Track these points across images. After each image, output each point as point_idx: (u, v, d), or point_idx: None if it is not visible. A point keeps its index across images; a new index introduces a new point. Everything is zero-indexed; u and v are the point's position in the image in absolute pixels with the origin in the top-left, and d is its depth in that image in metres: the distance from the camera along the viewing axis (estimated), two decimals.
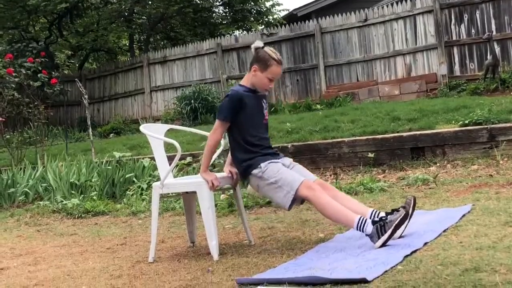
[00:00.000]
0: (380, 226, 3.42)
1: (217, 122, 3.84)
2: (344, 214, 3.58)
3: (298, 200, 3.75)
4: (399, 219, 3.41)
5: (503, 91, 9.91)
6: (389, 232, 3.39)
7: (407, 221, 3.50)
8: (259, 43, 3.91)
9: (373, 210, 3.63)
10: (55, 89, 10.29)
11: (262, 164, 3.76)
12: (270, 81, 3.86)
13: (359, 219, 3.49)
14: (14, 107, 10.03)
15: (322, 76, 13.43)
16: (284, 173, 3.72)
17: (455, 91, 11.01)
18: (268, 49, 3.87)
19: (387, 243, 3.40)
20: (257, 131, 3.87)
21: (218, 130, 3.84)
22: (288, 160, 3.96)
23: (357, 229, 3.50)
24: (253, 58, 3.91)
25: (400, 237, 3.53)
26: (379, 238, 3.39)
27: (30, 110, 9.87)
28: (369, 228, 3.45)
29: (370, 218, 3.54)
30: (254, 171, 3.78)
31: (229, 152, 3.99)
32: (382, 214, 3.56)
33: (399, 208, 3.51)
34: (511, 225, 3.48)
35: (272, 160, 3.80)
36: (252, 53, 3.93)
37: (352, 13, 13.30)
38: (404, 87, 11.78)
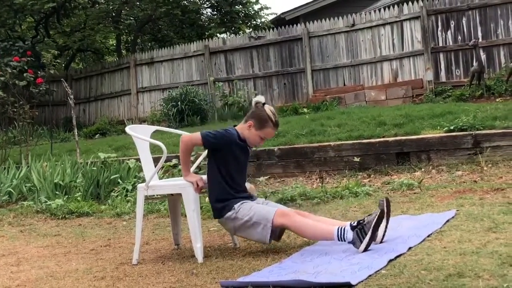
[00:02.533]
0: (360, 229, 3.44)
1: (199, 135, 3.80)
2: (322, 230, 3.62)
3: (275, 232, 3.76)
4: (376, 218, 3.43)
5: (488, 97, 9.98)
6: (369, 233, 3.40)
7: (385, 220, 3.51)
8: (260, 98, 3.93)
9: (350, 222, 3.63)
10: (41, 88, 10.20)
11: (235, 206, 3.78)
12: (261, 139, 3.90)
13: (338, 230, 3.53)
14: None
15: (309, 80, 13.46)
16: (257, 209, 3.76)
17: (441, 97, 11.08)
18: (267, 109, 3.88)
19: (371, 248, 3.41)
20: (236, 173, 3.88)
21: (195, 141, 3.83)
22: (261, 200, 4.02)
23: (338, 240, 3.53)
24: (251, 112, 3.92)
25: (383, 241, 3.55)
26: (361, 242, 3.41)
27: (15, 110, 9.79)
28: (349, 234, 3.47)
29: (350, 225, 3.54)
30: (228, 214, 3.79)
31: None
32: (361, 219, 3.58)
33: (375, 210, 3.54)
34: (495, 231, 3.50)
35: (244, 201, 3.82)
36: (252, 107, 3.94)
37: (340, 17, 13.34)
38: (390, 92, 11.84)
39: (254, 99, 3.93)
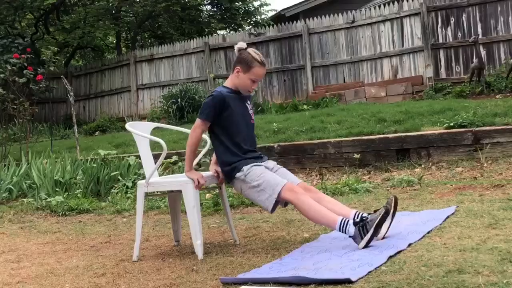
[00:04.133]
0: (362, 226, 3.43)
1: (197, 120, 3.82)
2: (326, 216, 3.59)
3: (282, 202, 3.77)
4: (379, 217, 3.42)
5: (488, 94, 9.98)
6: (371, 231, 3.40)
7: (389, 219, 3.51)
8: (242, 44, 3.90)
9: (356, 212, 3.63)
10: (41, 85, 10.21)
11: (245, 167, 3.76)
12: (253, 82, 3.85)
13: (341, 221, 3.51)
14: None
15: (309, 76, 13.46)
16: (267, 176, 3.73)
17: (441, 93, 11.08)
18: (251, 50, 3.86)
19: (371, 244, 3.41)
20: (240, 133, 3.85)
21: (198, 129, 3.82)
22: (272, 163, 3.96)
23: (339, 231, 3.52)
24: (236, 59, 3.90)
25: (384, 237, 3.55)
26: (362, 238, 3.41)
27: (15, 107, 9.79)
28: (351, 229, 3.46)
29: (353, 219, 3.54)
30: (238, 174, 3.78)
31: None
32: (365, 215, 3.57)
33: (381, 208, 3.53)
34: (494, 227, 3.51)
35: (255, 163, 3.79)
36: (235, 54, 3.92)
37: (340, 14, 13.34)
38: (390, 89, 11.83)
39: (236, 46, 3.90)
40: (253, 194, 3.76)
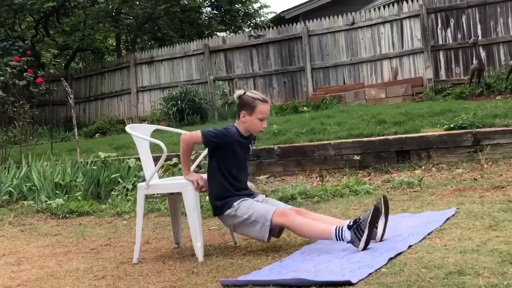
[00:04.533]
0: (356, 228, 3.44)
1: (199, 133, 3.81)
2: (320, 229, 3.62)
3: (275, 231, 3.78)
4: (370, 214, 3.43)
5: (488, 95, 9.98)
6: (366, 231, 3.40)
7: (382, 218, 3.52)
8: (239, 92, 3.93)
9: (350, 220, 3.63)
10: (41, 88, 10.20)
11: (235, 203, 3.79)
12: (261, 121, 3.86)
13: (336, 229, 3.53)
14: None
15: (309, 78, 13.46)
16: (256, 207, 3.76)
17: (441, 95, 11.08)
18: (249, 93, 3.90)
19: (371, 246, 3.41)
20: (237, 172, 3.89)
21: (195, 140, 3.83)
22: (261, 197, 4.01)
23: (336, 239, 3.53)
24: (238, 105, 3.94)
25: (383, 240, 3.55)
26: (359, 240, 3.41)
27: (15, 109, 9.78)
28: (347, 234, 3.47)
29: (347, 225, 3.54)
30: (227, 212, 3.81)
31: None
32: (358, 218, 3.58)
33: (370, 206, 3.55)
34: (495, 229, 3.51)
35: (243, 199, 3.83)
36: (237, 102, 3.96)
37: (340, 16, 13.35)
38: (390, 91, 11.83)
39: (235, 95, 3.94)
40: (246, 228, 3.78)
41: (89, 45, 19.52)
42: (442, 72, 12.07)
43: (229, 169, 3.84)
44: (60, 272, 3.81)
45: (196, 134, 3.84)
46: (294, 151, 7.24)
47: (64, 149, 10.18)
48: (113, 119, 15.97)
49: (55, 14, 18.94)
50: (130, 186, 6.88)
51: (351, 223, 3.50)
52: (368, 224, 3.41)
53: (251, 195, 3.95)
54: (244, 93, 3.91)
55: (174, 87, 14.26)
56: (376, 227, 3.50)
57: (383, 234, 3.56)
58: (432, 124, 7.18)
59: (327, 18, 13.53)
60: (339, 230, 3.52)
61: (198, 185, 3.83)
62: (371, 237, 3.43)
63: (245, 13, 19.80)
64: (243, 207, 3.77)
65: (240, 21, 19.58)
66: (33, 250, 4.74)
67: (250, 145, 4.02)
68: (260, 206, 3.78)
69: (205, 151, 4.32)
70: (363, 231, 3.41)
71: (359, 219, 3.47)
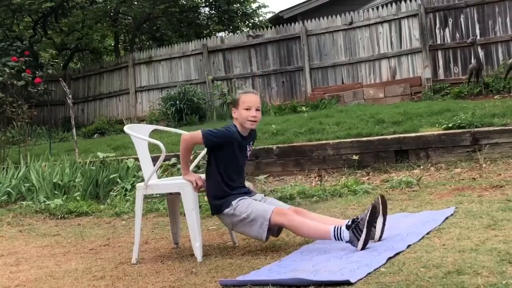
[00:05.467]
0: (355, 228, 3.45)
1: (199, 133, 3.81)
2: (319, 229, 3.63)
3: (273, 230, 3.78)
4: (368, 213, 3.43)
5: (487, 95, 10.00)
6: (364, 230, 3.41)
7: (380, 217, 3.52)
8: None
9: (349, 220, 3.62)
10: (39, 88, 10.20)
11: (233, 202, 3.80)
12: (249, 110, 3.85)
13: (334, 229, 3.53)
14: None
15: (308, 78, 13.46)
16: (255, 206, 3.77)
17: (439, 94, 11.09)
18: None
19: (370, 246, 3.41)
20: (234, 171, 3.90)
21: (195, 140, 3.84)
22: (259, 196, 4.01)
23: (335, 239, 3.53)
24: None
25: (381, 239, 3.55)
26: (358, 240, 3.41)
27: (13, 110, 9.78)
28: (346, 234, 3.48)
29: (345, 225, 3.54)
30: (226, 210, 3.82)
31: None
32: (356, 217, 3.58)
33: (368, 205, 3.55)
34: (494, 228, 3.51)
35: (242, 197, 3.83)
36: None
37: (338, 16, 13.35)
38: (388, 90, 11.84)
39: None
40: (244, 227, 3.79)
41: (87, 45, 19.49)
42: (441, 71, 12.08)
43: (227, 169, 3.85)
44: (58, 273, 3.81)
45: (197, 134, 3.84)
46: (293, 151, 7.24)
47: (63, 149, 10.17)
48: (111, 119, 15.95)
49: (53, 14, 18.93)
50: (128, 187, 6.88)
51: (350, 223, 3.50)
52: (366, 224, 3.41)
53: (249, 193, 3.95)
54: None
55: (173, 87, 14.26)
56: (375, 227, 3.50)
57: (381, 234, 3.56)
58: (430, 124, 7.18)
59: (325, 18, 13.53)
60: (337, 230, 3.52)
61: (197, 185, 3.84)
62: (369, 236, 3.44)
63: (243, 13, 19.79)
64: (242, 206, 3.77)
65: (239, 21, 19.57)
66: (31, 250, 4.74)
67: (249, 145, 4.02)
68: (258, 205, 3.78)
69: (204, 151, 4.33)
70: (362, 231, 3.41)
71: (357, 219, 3.48)
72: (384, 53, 12.72)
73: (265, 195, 4.16)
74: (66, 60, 20.48)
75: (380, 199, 3.55)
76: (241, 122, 3.88)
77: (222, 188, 3.84)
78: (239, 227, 3.82)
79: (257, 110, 3.88)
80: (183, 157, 3.90)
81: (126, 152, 8.84)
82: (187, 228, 3.93)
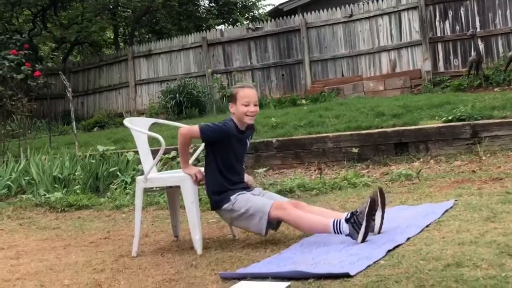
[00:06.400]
0: (354, 221, 3.45)
1: (197, 128, 3.81)
2: (318, 223, 3.63)
3: (272, 224, 3.79)
4: (367, 206, 3.44)
5: (487, 87, 9.99)
6: (364, 223, 3.41)
7: (379, 210, 3.53)
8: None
9: (348, 213, 3.63)
10: (39, 81, 10.19)
11: (232, 197, 3.80)
12: (246, 106, 3.85)
13: (334, 222, 3.53)
14: None
15: (307, 71, 13.45)
16: (254, 201, 3.77)
17: (439, 87, 11.08)
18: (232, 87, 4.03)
19: (370, 238, 3.41)
20: (233, 165, 3.90)
21: (193, 134, 3.83)
22: (258, 190, 4.01)
23: (334, 233, 3.53)
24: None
25: (381, 232, 3.56)
26: (358, 233, 3.42)
27: (13, 103, 9.78)
28: (345, 227, 3.48)
29: (344, 217, 3.54)
30: (225, 206, 3.81)
31: None
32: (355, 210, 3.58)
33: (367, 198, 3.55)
34: (493, 221, 3.52)
35: (240, 192, 3.83)
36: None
37: (338, 8, 13.32)
38: (388, 83, 11.83)
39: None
40: (244, 221, 3.79)
41: (86, 38, 19.46)
42: (441, 64, 12.07)
43: (226, 163, 3.85)
44: (59, 266, 3.82)
45: (194, 128, 3.84)
46: (293, 144, 7.24)
47: (63, 142, 10.17)
48: (111, 112, 15.94)
49: (52, 8, 18.89)
50: (128, 180, 6.88)
51: (349, 216, 3.50)
52: (365, 216, 3.42)
53: (248, 188, 3.95)
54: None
55: (172, 80, 14.24)
56: (373, 219, 3.51)
57: (381, 226, 3.57)
58: (430, 117, 7.18)
59: (325, 10, 13.50)
60: (337, 223, 3.52)
61: (196, 179, 3.84)
62: (369, 229, 3.44)
63: (243, 6, 19.76)
64: (241, 201, 3.78)
65: (238, 13, 19.54)
66: (32, 243, 4.74)
67: (247, 139, 4.02)
68: (257, 200, 3.78)
69: (203, 145, 4.32)
70: (361, 224, 3.42)
71: (356, 212, 3.48)
72: (384, 46, 12.70)
73: (264, 189, 4.17)
74: (66, 53, 20.45)
75: (378, 192, 3.56)
76: (239, 117, 3.87)
77: (221, 183, 3.84)
78: (238, 221, 3.83)
79: (255, 105, 3.89)
80: (182, 151, 3.90)
81: (126, 145, 8.85)
82: (187, 221, 3.94)
